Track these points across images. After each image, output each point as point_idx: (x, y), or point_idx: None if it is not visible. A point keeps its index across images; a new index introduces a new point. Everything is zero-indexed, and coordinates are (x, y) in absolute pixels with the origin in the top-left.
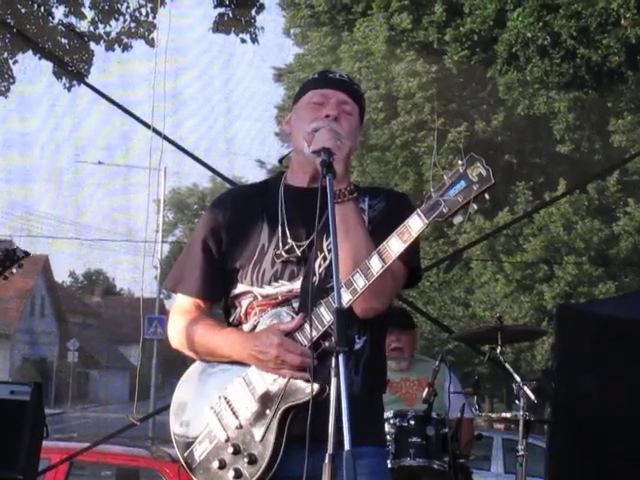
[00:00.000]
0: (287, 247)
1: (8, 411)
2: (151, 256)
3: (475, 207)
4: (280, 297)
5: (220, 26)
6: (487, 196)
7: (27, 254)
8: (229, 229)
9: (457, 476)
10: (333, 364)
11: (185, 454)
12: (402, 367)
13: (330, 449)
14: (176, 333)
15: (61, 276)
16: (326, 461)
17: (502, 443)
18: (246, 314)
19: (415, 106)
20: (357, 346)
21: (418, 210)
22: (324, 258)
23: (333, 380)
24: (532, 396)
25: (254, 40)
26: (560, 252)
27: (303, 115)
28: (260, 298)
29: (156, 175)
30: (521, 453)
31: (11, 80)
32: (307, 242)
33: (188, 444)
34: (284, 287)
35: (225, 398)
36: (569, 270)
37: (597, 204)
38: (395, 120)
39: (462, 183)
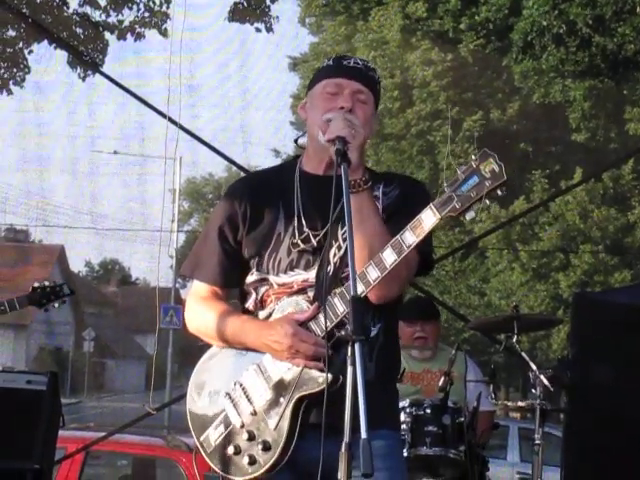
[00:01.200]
0: (303, 236)
1: (24, 401)
2: (167, 246)
3: (487, 202)
4: (296, 286)
5: (235, 15)
6: (500, 192)
7: (73, 292)
8: (245, 216)
9: (473, 465)
10: (349, 352)
11: (201, 438)
12: (425, 356)
13: (347, 437)
14: (193, 319)
15: (77, 266)
16: (342, 450)
17: (518, 432)
18: (262, 301)
19: (430, 95)
20: (371, 334)
21: (431, 204)
22: (339, 247)
23: (349, 369)
24: (548, 385)
25: (269, 29)
26: (576, 241)
27: (317, 104)
28: (276, 286)
29: (172, 164)
30: (537, 442)
31: (26, 70)
32: (323, 231)
33: (204, 428)
34: (300, 276)
35: (240, 384)
36: (585, 259)
37: (612, 192)
38: (410, 109)
39: (475, 179)
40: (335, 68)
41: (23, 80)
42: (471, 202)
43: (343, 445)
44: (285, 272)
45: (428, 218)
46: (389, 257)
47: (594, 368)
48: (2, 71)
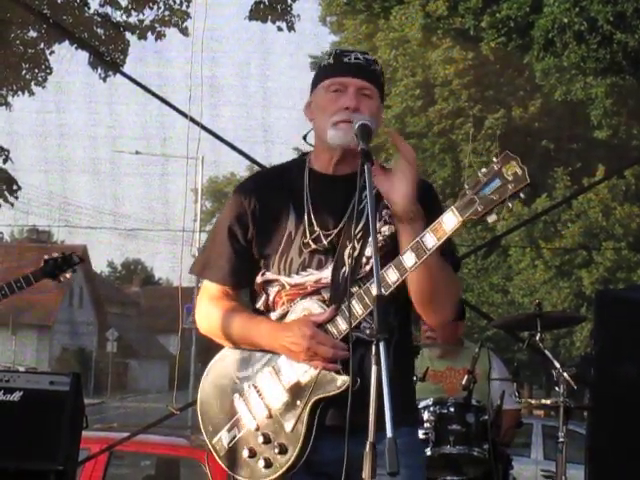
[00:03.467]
0: (314, 236)
1: (48, 402)
2: (189, 245)
3: (510, 205)
4: (309, 287)
5: (256, 14)
6: (522, 195)
7: (82, 260)
8: (254, 215)
9: (497, 463)
10: (373, 351)
11: (213, 440)
12: (452, 355)
13: (371, 437)
14: (204, 319)
15: (99, 266)
16: (367, 449)
17: (542, 430)
18: (274, 302)
19: (452, 93)
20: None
21: (453, 207)
22: (353, 248)
23: (374, 368)
24: (572, 382)
25: (290, 28)
26: (598, 238)
27: (322, 105)
28: (288, 287)
29: (194, 164)
30: (561, 440)
31: (48, 71)
32: (335, 231)
33: (216, 431)
34: (312, 276)
35: (255, 387)
36: (608, 256)
37: (635, 189)
38: (432, 107)
39: (497, 181)
40: (337, 66)
41: (45, 80)
42: (494, 205)
43: (367, 445)
44: (297, 272)
45: (449, 220)
46: (409, 260)
47: (617, 365)
48: (24, 72)
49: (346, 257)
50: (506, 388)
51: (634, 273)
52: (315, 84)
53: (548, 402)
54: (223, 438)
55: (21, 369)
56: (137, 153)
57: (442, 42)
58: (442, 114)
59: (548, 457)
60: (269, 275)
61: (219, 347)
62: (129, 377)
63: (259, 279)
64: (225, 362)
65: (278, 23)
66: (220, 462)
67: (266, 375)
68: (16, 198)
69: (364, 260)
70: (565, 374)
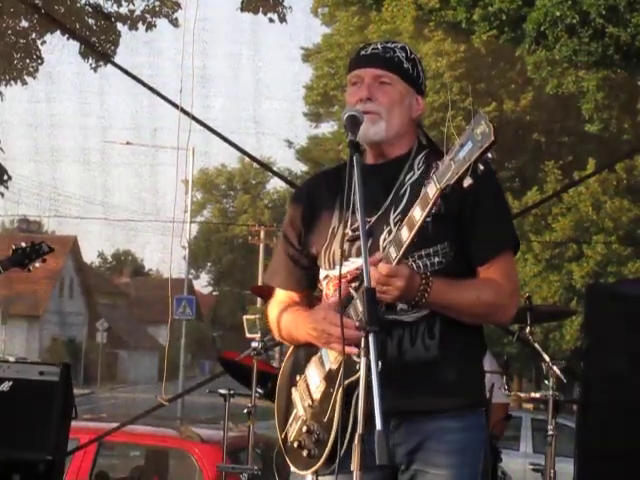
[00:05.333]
0: (355, 225)
1: (37, 392)
2: (179, 236)
3: (482, 168)
4: (349, 275)
5: (248, 5)
6: (490, 155)
7: (52, 249)
8: (304, 218)
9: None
10: (363, 344)
11: (282, 436)
12: None
13: (360, 429)
14: (271, 324)
15: (90, 257)
16: (355, 442)
17: (531, 423)
18: (326, 295)
19: (443, 86)
20: (425, 312)
21: (433, 176)
22: (389, 232)
23: (362, 360)
24: (561, 376)
25: (282, 20)
26: (589, 231)
27: (347, 98)
28: (333, 278)
29: (184, 155)
30: (550, 433)
31: (39, 61)
32: (374, 217)
33: (282, 427)
34: (353, 265)
35: (304, 378)
36: (598, 249)
37: (626, 183)
38: (424, 100)
39: (470, 144)
40: (355, 59)
41: (36, 71)
42: (465, 167)
43: (356, 437)
44: (341, 263)
45: (431, 190)
46: (404, 234)
47: (607, 359)
48: (15, 62)
49: (381, 242)
50: (495, 381)
51: (624, 267)
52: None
53: (537, 395)
54: (288, 433)
55: (11, 359)
56: (128, 144)
57: (434, 35)
58: (433, 107)
59: (537, 450)
60: (322, 272)
61: (209, 340)
62: (119, 368)
63: (319, 278)
64: (291, 359)
65: (270, 15)
66: (287, 459)
67: (312, 365)
68: (6, 188)
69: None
70: (555, 368)
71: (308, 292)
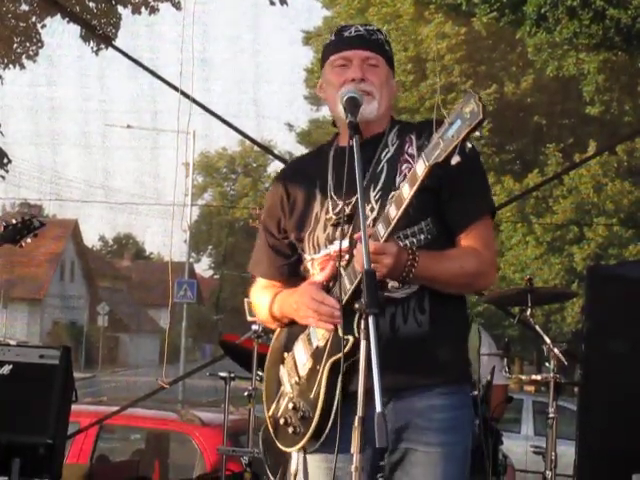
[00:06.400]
0: (337, 209)
1: (38, 375)
2: (180, 220)
3: (469, 145)
4: (333, 253)
5: None
6: (478, 132)
7: (43, 224)
8: (283, 205)
9: (487, 438)
10: (362, 326)
11: (268, 413)
12: None
13: (360, 411)
14: (255, 308)
15: (91, 240)
16: (355, 424)
17: (532, 405)
18: (312, 276)
19: (444, 68)
20: (415, 288)
21: (422, 153)
22: (371, 209)
23: (363, 342)
24: (562, 358)
25: (283, 2)
26: (590, 214)
27: (331, 80)
28: (319, 261)
29: (185, 138)
30: (551, 415)
31: (39, 44)
32: (355, 198)
33: (270, 404)
34: (337, 246)
35: (292, 356)
36: (599, 232)
37: (627, 165)
38: (424, 82)
39: (458, 122)
40: (338, 42)
41: (36, 54)
42: (453, 145)
43: (356, 419)
44: (325, 247)
45: (420, 167)
46: (392, 212)
47: (608, 341)
48: (15, 45)
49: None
50: (496, 364)
51: (625, 249)
52: (322, 63)
53: (538, 378)
54: (275, 410)
55: (12, 343)
56: (128, 127)
57: (434, 17)
58: (434, 89)
59: (538, 433)
60: (306, 257)
61: (210, 323)
62: (120, 351)
63: (302, 263)
64: (277, 339)
65: None
66: (271, 434)
67: (299, 343)
68: (7, 171)
69: None
70: (556, 350)
71: (290, 280)
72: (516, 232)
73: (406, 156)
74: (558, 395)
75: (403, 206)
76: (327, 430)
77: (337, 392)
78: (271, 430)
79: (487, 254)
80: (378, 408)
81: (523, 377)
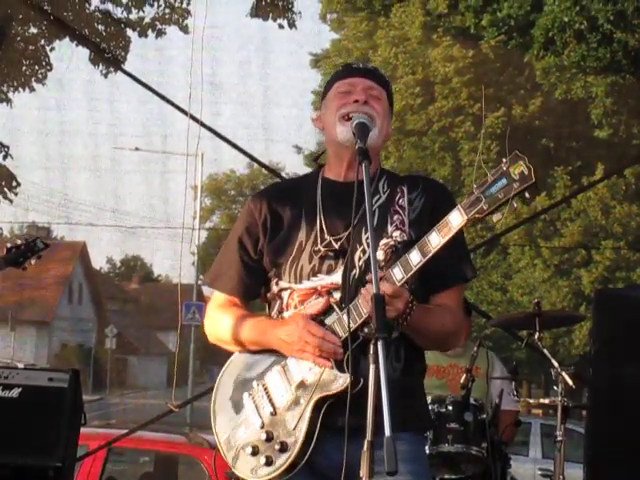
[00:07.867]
0: (325, 243)
1: (47, 398)
2: (189, 242)
3: (515, 205)
4: (319, 287)
5: (258, 11)
6: (527, 195)
7: (47, 245)
8: (265, 227)
9: (495, 462)
10: (371, 351)
11: (222, 439)
12: (457, 352)
13: (369, 436)
14: (212, 327)
15: (99, 262)
16: (365, 448)
17: (540, 429)
18: (287, 305)
19: (452, 91)
20: (396, 334)
21: (459, 205)
22: (363, 251)
23: (371, 367)
24: (570, 382)
25: (291, 25)
26: (598, 237)
27: (331, 105)
28: (299, 292)
29: (193, 161)
30: (559, 439)
31: (48, 67)
32: (345, 234)
33: (226, 430)
34: (323, 281)
35: (263, 385)
36: (607, 255)
37: (634, 189)
38: (432, 105)
39: (503, 181)
40: (346, 71)
41: (45, 77)
42: (498, 204)
43: (365, 443)
44: (308, 278)
45: (455, 219)
46: (415, 258)
47: (616, 365)
48: (24, 68)
49: (357, 260)
50: (504, 387)
51: (633, 272)
52: (325, 93)
53: (546, 401)
54: (231, 438)
55: (20, 365)
56: (137, 150)
57: (442, 40)
58: (442, 112)
59: (546, 456)
60: (282, 284)
61: (217, 346)
62: (128, 373)
63: (273, 289)
64: (236, 364)
65: (279, 21)
66: (228, 461)
67: (275, 373)
68: (16, 195)
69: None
70: (564, 373)
71: (249, 302)
72: (524, 255)
73: (397, 207)
74: (566, 418)
75: (430, 254)
76: (302, 463)
77: (317, 427)
78: (225, 454)
79: (460, 315)
80: (387, 432)
81: (531, 400)
